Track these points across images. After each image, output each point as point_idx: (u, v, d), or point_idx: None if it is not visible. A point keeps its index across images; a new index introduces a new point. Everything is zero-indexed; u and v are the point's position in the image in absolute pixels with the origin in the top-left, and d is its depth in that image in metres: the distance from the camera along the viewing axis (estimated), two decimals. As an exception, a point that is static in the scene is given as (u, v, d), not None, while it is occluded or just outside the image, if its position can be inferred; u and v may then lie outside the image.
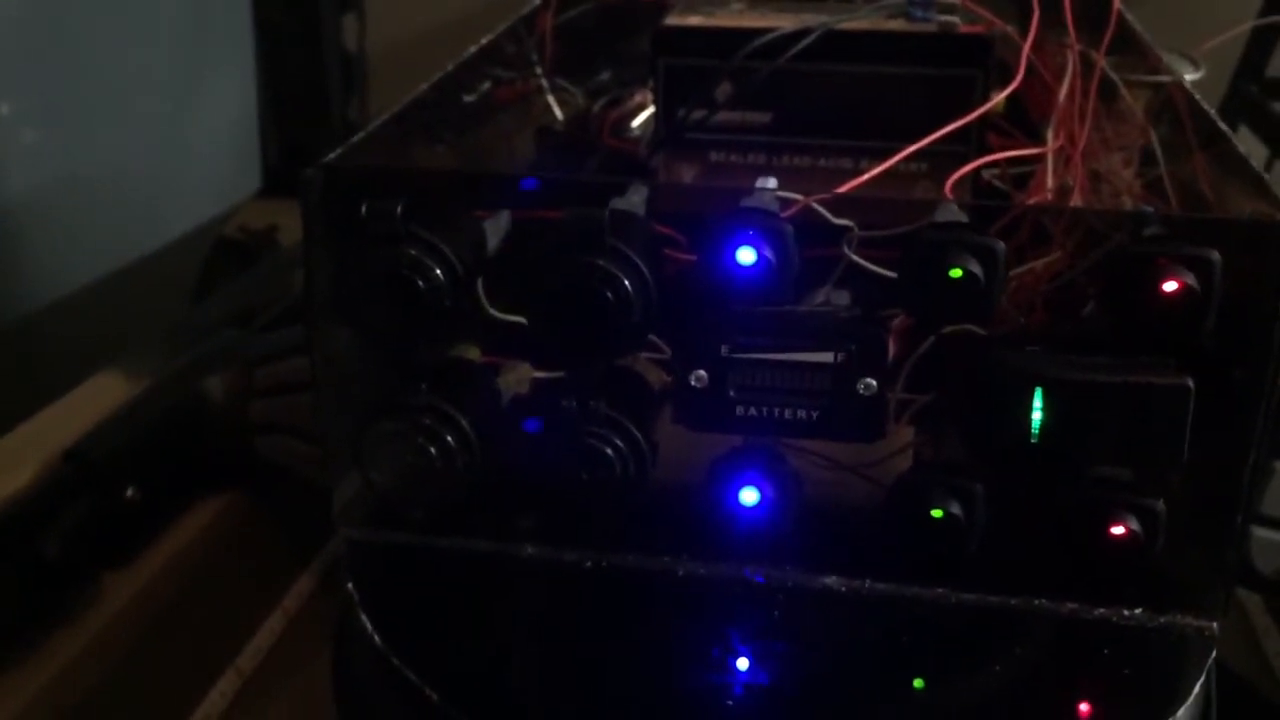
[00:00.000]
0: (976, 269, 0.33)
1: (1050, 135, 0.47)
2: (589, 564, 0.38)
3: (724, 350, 0.36)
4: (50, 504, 0.47)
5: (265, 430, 0.54)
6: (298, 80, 1.05)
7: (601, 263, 0.34)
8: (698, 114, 0.52)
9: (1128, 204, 0.45)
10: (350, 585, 0.38)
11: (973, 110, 0.48)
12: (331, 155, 0.37)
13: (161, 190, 0.86)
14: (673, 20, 0.53)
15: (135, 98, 0.81)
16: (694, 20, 0.53)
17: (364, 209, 0.35)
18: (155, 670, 0.49)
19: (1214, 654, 0.36)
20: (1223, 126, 0.39)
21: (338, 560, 0.55)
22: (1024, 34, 0.52)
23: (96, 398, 0.53)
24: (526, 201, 0.38)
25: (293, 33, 1.03)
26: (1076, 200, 0.43)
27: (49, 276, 0.74)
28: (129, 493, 0.50)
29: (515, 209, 0.38)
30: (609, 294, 0.34)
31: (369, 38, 1.10)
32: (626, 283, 0.34)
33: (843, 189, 0.37)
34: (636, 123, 0.61)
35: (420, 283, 0.35)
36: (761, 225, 0.34)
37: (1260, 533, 0.47)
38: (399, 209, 0.34)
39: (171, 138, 0.86)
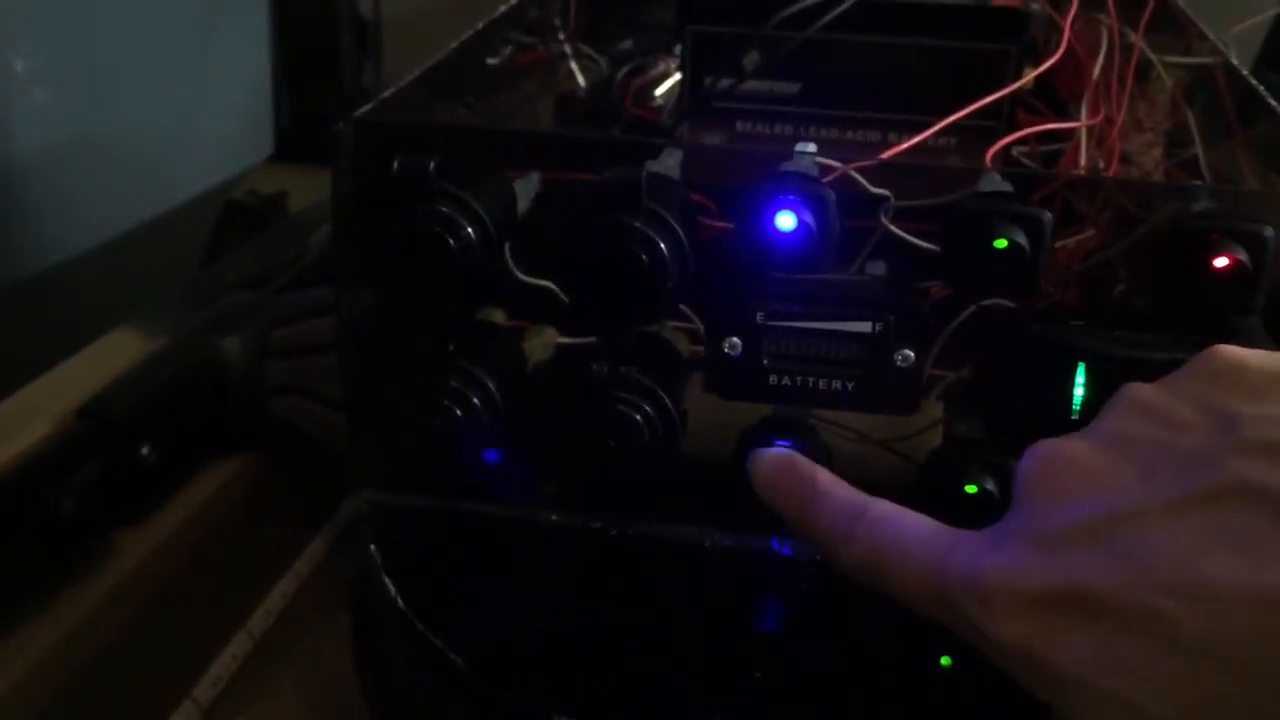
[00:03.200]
0: (1022, 239, 0.32)
1: (1085, 111, 0.46)
2: (614, 532, 0.38)
3: (759, 318, 0.35)
4: (65, 461, 0.47)
5: (282, 392, 0.54)
6: (311, 46, 1.04)
7: (638, 225, 0.33)
8: (725, 83, 0.51)
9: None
10: (373, 547, 0.37)
11: (1004, 84, 0.47)
12: (362, 110, 0.36)
13: (173, 152, 0.85)
14: (703, -14, 0.52)
15: (149, 60, 0.80)
16: (724, -14, 0.52)
17: (395, 165, 0.34)
18: (167, 630, 0.49)
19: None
20: (1274, 104, 0.38)
21: (350, 524, 0.55)
22: (1055, 9, 0.51)
23: (112, 355, 0.52)
24: (558, 162, 0.37)
25: (308, -3, 1.02)
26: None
27: (59, 235, 0.74)
28: (144, 451, 0.49)
29: (546, 170, 0.38)
30: (644, 257, 0.34)
31: (384, 4, 1.09)
32: (662, 246, 0.34)
33: (884, 156, 0.36)
34: (660, 91, 0.60)
35: (451, 241, 0.34)
36: (802, 190, 0.33)
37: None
38: (431, 165, 0.34)
39: (184, 100, 0.85)
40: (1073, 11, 0.45)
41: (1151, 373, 0.33)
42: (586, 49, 0.63)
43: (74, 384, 0.50)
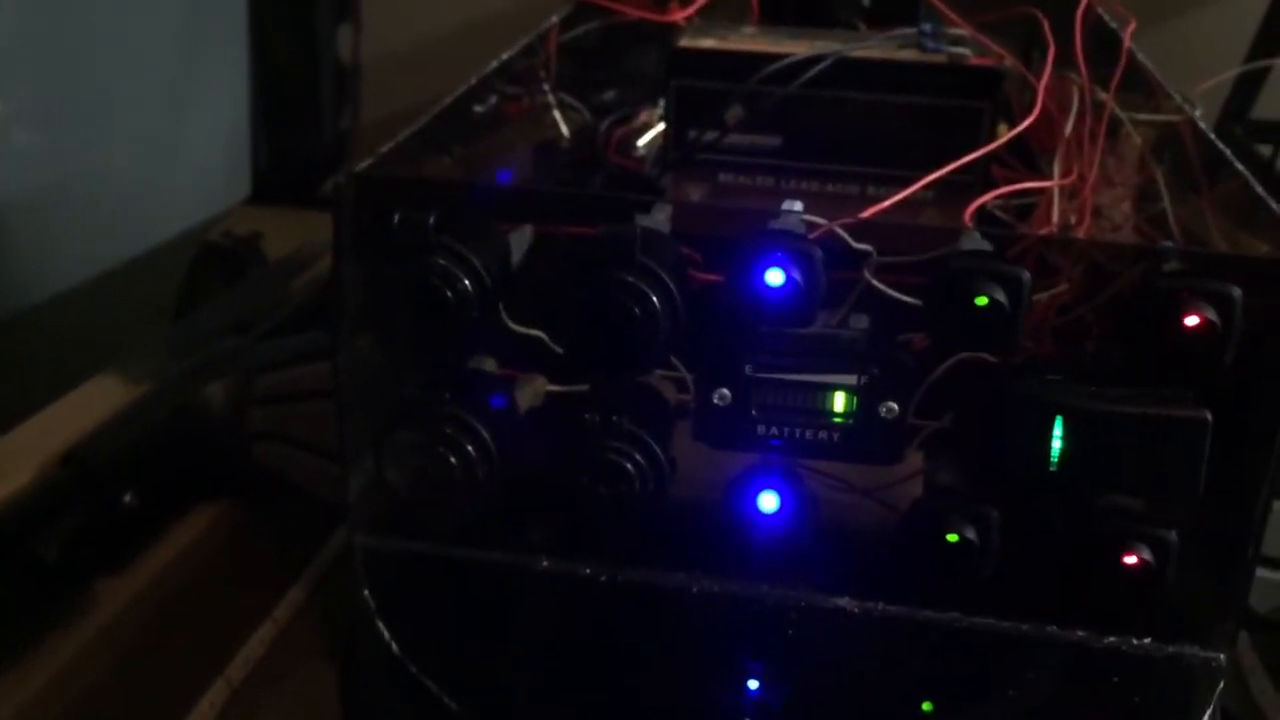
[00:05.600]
0: (1002, 297, 0.33)
1: (1057, 169, 0.48)
2: (604, 578, 0.38)
3: (748, 370, 0.36)
4: (48, 508, 0.47)
5: (264, 438, 0.54)
6: (290, 88, 1.05)
7: (631, 279, 0.34)
8: (709, 136, 0.52)
9: (1129, 239, 0.46)
10: (366, 593, 0.37)
11: (980, 140, 0.48)
12: (364, 165, 0.37)
13: (151, 194, 0.85)
14: (686, 42, 0.53)
15: (128, 101, 0.81)
16: (708, 43, 0.53)
17: (396, 219, 0.35)
18: (147, 677, 0.49)
19: (1222, 685, 0.36)
20: (1239, 166, 0.40)
21: (330, 571, 0.55)
22: (1028, 67, 0.53)
23: (96, 401, 0.53)
24: (554, 216, 0.38)
25: (287, 41, 1.03)
26: (1083, 234, 0.44)
27: (35, 277, 0.73)
28: (127, 498, 0.49)
29: (540, 223, 0.39)
30: (637, 310, 0.34)
31: (362, 47, 1.10)
32: (654, 299, 0.35)
33: (866, 214, 0.37)
34: (642, 142, 0.61)
35: (449, 293, 0.35)
36: (790, 248, 0.34)
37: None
38: (431, 219, 0.35)
39: (162, 142, 0.85)
40: (1046, 74, 0.47)
41: (1127, 426, 0.34)
42: (570, 99, 0.64)
43: (57, 430, 0.50)
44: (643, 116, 0.62)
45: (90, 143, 0.76)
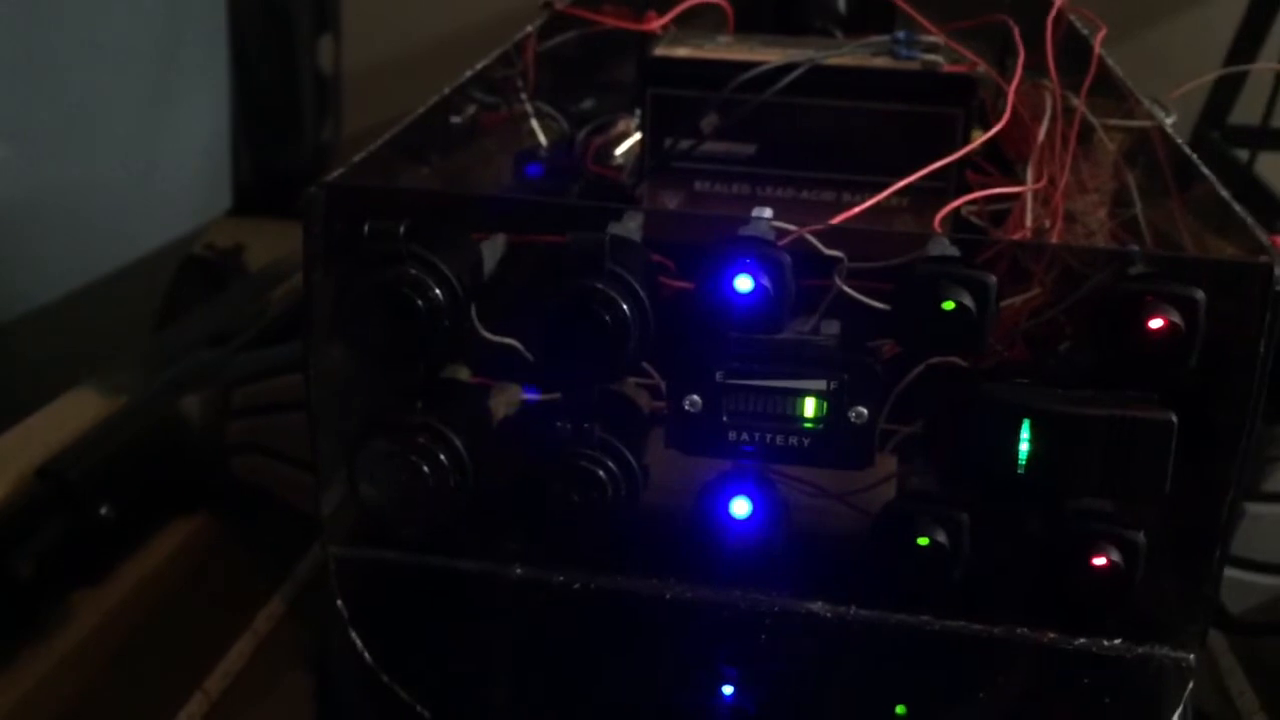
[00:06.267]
0: (969, 302, 0.34)
1: (1030, 175, 0.48)
2: (577, 586, 0.38)
3: (718, 376, 0.36)
4: (24, 522, 0.47)
5: (242, 451, 0.54)
6: (271, 100, 1.05)
7: (601, 286, 0.35)
8: (684, 144, 0.53)
9: (1101, 244, 0.46)
10: (339, 603, 0.37)
11: (953, 147, 0.49)
12: (335, 174, 0.37)
13: (132, 207, 0.85)
14: (662, 51, 0.53)
15: (108, 114, 0.81)
16: (682, 52, 0.54)
17: (366, 228, 0.35)
18: (124, 690, 0.49)
19: (1191, 685, 0.36)
20: (1205, 170, 0.40)
21: (309, 583, 0.55)
22: (1002, 74, 0.53)
23: (72, 415, 0.52)
24: (525, 225, 0.38)
25: (268, 52, 1.03)
26: (1056, 238, 0.44)
27: (16, 291, 0.73)
28: (103, 511, 0.49)
29: (512, 232, 0.39)
30: (607, 317, 0.35)
31: (343, 59, 1.11)
32: (625, 307, 0.35)
33: (836, 220, 0.37)
34: (620, 150, 0.61)
35: (420, 302, 0.35)
36: (760, 254, 0.35)
37: (1228, 573, 0.48)
38: (401, 229, 0.35)
39: (143, 154, 0.85)
40: (1016, 80, 0.47)
41: (1093, 429, 0.34)
42: (547, 108, 0.64)
43: (33, 444, 0.50)
44: (620, 125, 0.62)
45: (69, 157, 0.76)
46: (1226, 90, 0.97)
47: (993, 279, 0.34)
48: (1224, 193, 0.38)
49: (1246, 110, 0.96)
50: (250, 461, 0.54)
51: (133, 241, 0.85)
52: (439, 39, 1.15)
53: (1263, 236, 0.35)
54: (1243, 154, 0.92)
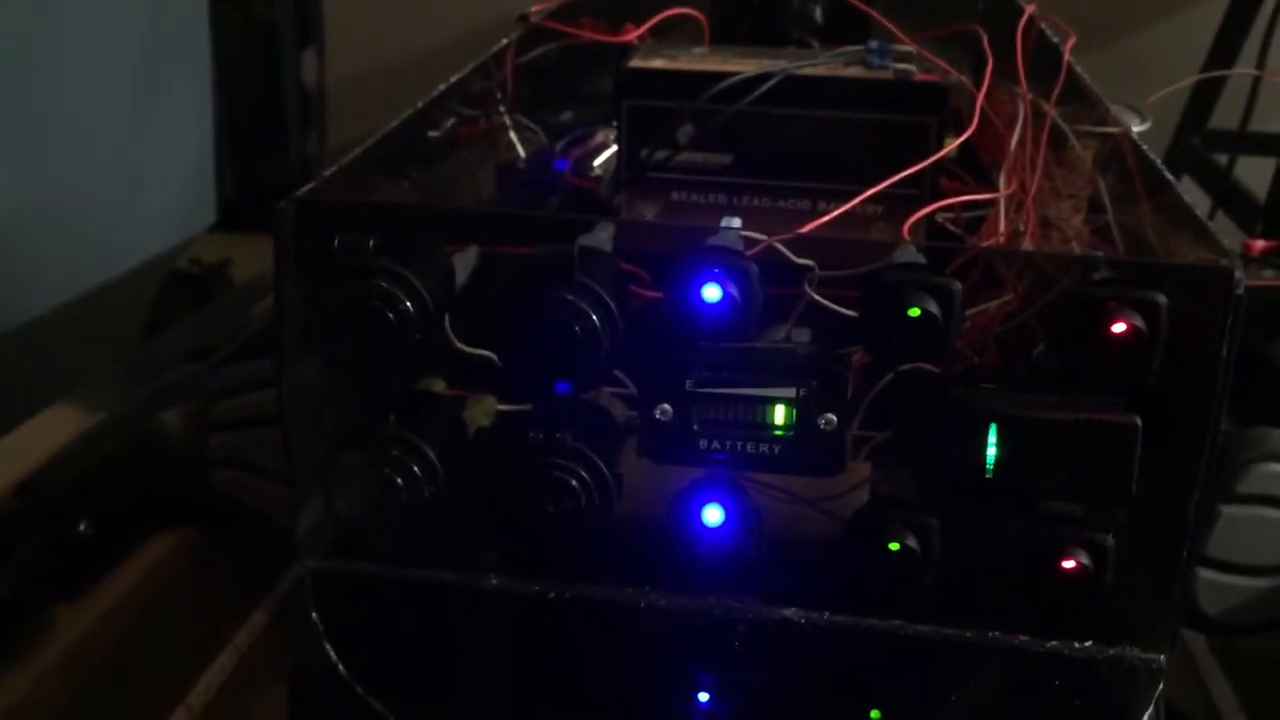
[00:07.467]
0: (934, 308, 0.34)
1: (1002, 181, 0.48)
2: (552, 595, 0.38)
3: (688, 385, 0.37)
4: (3, 537, 0.47)
5: (222, 465, 0.54)
6: (256, 114, 1.05)
7: (570, 297, 0.35)
8: (660, 154, 0.53)
9: (1076, 249, 0.47)
10: (314, 615, 0.37)
11: (926, 155, 0.49)
12: (304, 189, 0.37)
13: (116, 222, 0.85)
14: (637, 62, 0.54)
15: (92, 130, 0.81)
16: (657, 63, 0.54)
17: (336, 242, 0.35)
18: (106, 707, 0.49)
19: (1161, 686, 0.37)
20: (1168, 176, 0.41)
21: (290, 597, 0.55)
22: (976, 82, 0.54)
23: (52, 430, 0.53)
24: (495, 237, 0.38)
25: (252, 66, 1.03)
26: (1028, 245, 0.44)
27: (1, 305, 0.73)
28: (83, 527, 0.49)
29: (484, 244, 0.39)
30: (577, 328, 0.35)
31: (327, 73, 1.11)
32: (594, 317, 0.35)
33: (805, 229, 0.38)
34: (598, 162, 0.61)
35: (390, 315, 0.35)
36: (727, 263, 0.35)
37: (1205, 574, 0.48)
38: (371, 243, 0.35)
39: (127, 169, 0.85)
40: (984, 87, 0.48)
41: (1059, 433, 0.35)
42: (526, 120, 0.64)
43: (12, 460, 0.50)
44: (599, 137, 0.63)
45: (52, 172, 0.76)
46: (1206, 95, 0.98)
47: (958, 285, 0.34)
48: (1185, 199, 0.38)
49: (1226, 115, 0.97)
50: (231, 476, 0.54)
51: (118, 256, 0.85)
52: (424, 51, 1.15)
53: (1222, 241, 0.35)
54: (1222, 158, 0.92)
